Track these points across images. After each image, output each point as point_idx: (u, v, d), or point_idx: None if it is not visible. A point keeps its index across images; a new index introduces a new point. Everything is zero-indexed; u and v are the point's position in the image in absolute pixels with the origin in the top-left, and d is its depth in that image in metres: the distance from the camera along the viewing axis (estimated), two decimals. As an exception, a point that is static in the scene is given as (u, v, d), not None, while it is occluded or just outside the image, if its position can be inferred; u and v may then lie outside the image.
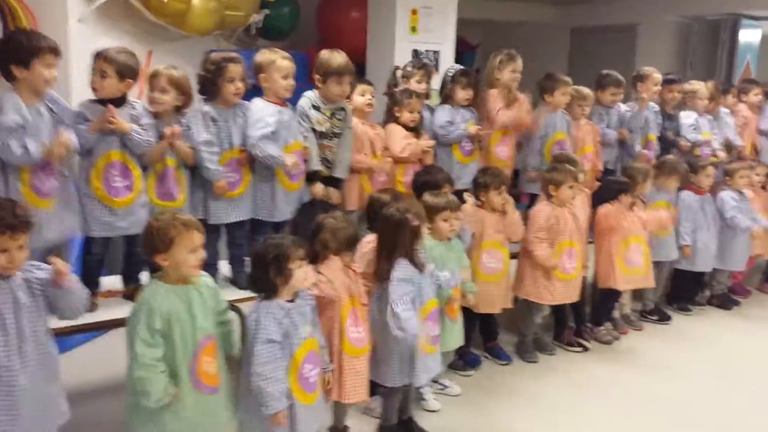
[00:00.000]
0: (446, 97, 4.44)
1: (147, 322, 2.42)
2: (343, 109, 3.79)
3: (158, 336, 2.43)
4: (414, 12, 6.23)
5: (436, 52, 6.46)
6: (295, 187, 3.58)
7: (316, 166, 3.68)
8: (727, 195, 5.10)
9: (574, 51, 9.57)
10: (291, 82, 3.47)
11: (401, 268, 3.03)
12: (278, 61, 3.45)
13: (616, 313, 4.77)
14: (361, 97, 3.97)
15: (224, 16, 5.49)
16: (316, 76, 3.70)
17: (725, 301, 5.28)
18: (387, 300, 3.01)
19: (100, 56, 3.00)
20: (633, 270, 4.42)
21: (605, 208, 4.39)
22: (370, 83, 4.02)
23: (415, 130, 4.13)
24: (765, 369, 4.26)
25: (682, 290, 5.18)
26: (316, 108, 3.71)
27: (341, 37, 6.75)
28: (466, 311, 3.76)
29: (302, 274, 2.64)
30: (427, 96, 4.40)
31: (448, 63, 6.22)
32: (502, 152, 4.55)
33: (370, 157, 3.98)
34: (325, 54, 3.73)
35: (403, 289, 3.00)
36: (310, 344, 2.70)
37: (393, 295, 2.99)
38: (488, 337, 4.28)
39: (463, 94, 4.38)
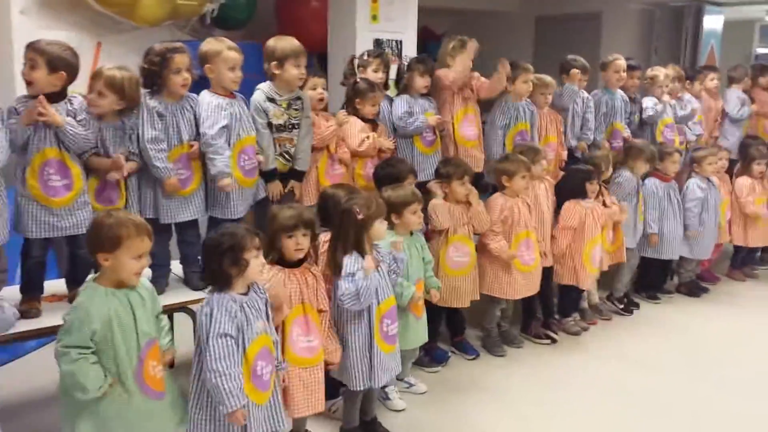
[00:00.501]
0: (404, 87, 4.30)
1: (80, 327, 2.26)
2: (299, 98, 3.64)
3: (91, 342, 2.27)
4: (374, 0, 6.08)
5: (398, 42, 6.31)
6: (249, 184, 3.43)
7: (272, 164, 3.54)
8: (694, 183, 5.06)
9: (539, 40, 9.52)
10: (238, 73, 3.31)
11: (352, 262, 2.90)
12: (225, 52, 3.29)
13: (584, 304, 4.70)
14: (312, 90, 3.81)
15: (176, 5, 5.27)
16: (271, 64, 3.54)
17: (694, 289, 5.24)
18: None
19: (29, 47, 2.82)
20: (594, 269, 4.36)
21: (569, 206, 4.30)
22: (321, 76, 3.86)
23: (372, 122, 4.00)
24: (733, 356, 4.22)
25: (650, 278, 5.13)
26: (271, 100, 3.56)
27: (301, 26, 6.56)
28: (433, 305, 3.67)
29: (257, 264, 2.52)
30: (385, 86, 4.26)
31: (411, 52, 6.10)
32: (469, 131, 4.42)
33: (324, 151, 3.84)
34: (272, 41, 3.59)
35: (351, 282, 2.87)
36: (264, 340, 2.56)
37: (341, 288, 2.87)
38: (455, 332, 4.18)
39: (421, 82, 4.25)
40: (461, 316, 4.15)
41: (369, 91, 3.91)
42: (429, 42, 10.61)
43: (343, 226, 2.95)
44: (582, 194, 4.30)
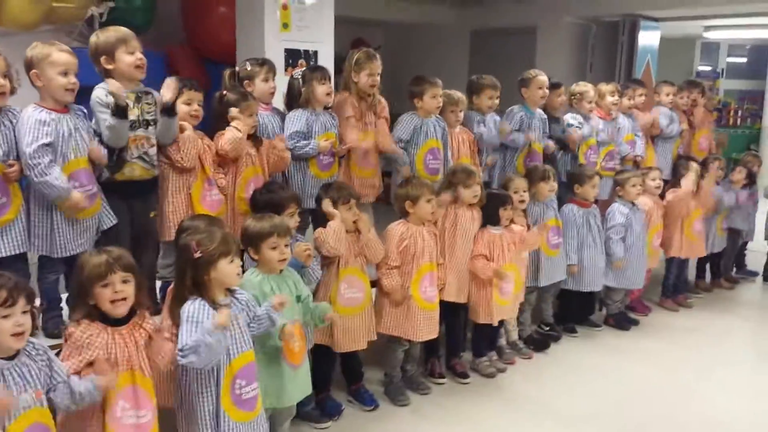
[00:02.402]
0: (305, 101, 3.79)
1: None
2: (148, 93, 3.12)
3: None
4: (285, 7, 5.58)
5: (314, 53, 5.82)
6: (85, 214, 2.87)
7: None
8: (616, 208, 4.68)
9: (475, 53, 9.32)
10: (72, 79, 2.77)
11: (194, 309, 2.39)
12: (54, 54, 2.74)
13: (502, 341, 4.25)
14: (186, 106, 3.28)
15: (51, 8, 4.72)
16: (101, 61, 2.99)
17: (622, 321, 4.84)
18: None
19: None
20: (504, 301, 3.90)
21: (479, 234, 3.86)
22: (197, 90, 3.33)
23: (254, 138, 3.49)
24: (647, 401, 3.79)
25: (569, 310, 4.73)
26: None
27: (208, 34, 6.10)
28: (324, 348, 3.24)
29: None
30: (271, 94, 3.78)
31: (328, 64, 5.61)
32: (364, 161, 3.97)
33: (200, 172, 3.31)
34: (93, 37, 3.04)
35: (190, 334, 2.36)
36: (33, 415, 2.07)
37: (180, 340, 2.35)
38: (352, 379, 3.68)
39: (322, 89, 3.76)
40: (358, 360, 3.65)
41: (240, 100, 3.40)
42: (363, 55, 10.27)
43: (180, 266, 2.44)
44: (495, 221, 3.87)
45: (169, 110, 3.06)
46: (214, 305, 2.43)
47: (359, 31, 9.71)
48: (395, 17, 8.90)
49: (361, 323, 3.45)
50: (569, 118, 4.92)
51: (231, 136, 3.31)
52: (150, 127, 3.07)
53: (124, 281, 2.28)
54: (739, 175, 5.59)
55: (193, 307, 2.40)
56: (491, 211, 3.86)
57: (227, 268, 2.47)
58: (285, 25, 5.61)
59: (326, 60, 5.76)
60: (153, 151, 3.09)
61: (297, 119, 3.73)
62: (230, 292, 2.56)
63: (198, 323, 2.36)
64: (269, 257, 2.83)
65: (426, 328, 3.59)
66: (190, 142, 3.20)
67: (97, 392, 2.15)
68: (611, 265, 4.61)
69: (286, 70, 5.37)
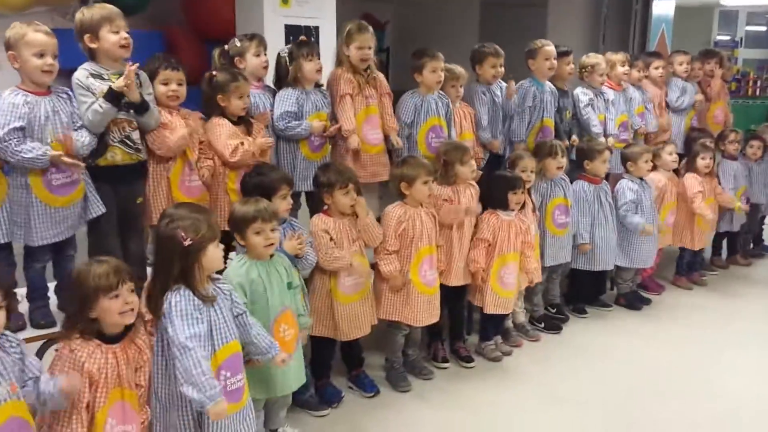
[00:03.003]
0: (293, 79, 3.64)
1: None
2: (135, 74, 2.94)
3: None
4: (284, -19, 5.42)
5: (315, 29, 5.66)
6: (61, 202, 2.74)
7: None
8: (625, 184, 4.52)
9: (485, 26, 9.08)
10: (49, 60, 2.64)
11: (179, 300, 2.29)
12: (30, 34, 2.62)
13: (508, 324, 4.14)
14: (163, 86, 3.12)
15: (46, -12, 4.61)
16: (84, 39, 2.87)
17: (633, 301, 4.69)
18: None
19: None
20: (505, 293, 3.77)
21: (485, 217, 3.73)
22: (175, 68, 3.17)
23: (244, 121, 3.35)
24: (656, 385, 3.65)
25: (580, 290, 4.59)
26: (96, 76, 2.87)
27: (206, 12, 5.94)
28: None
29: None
30: (265, 68, 3.62)
31: (330, 41, 5.44)
32: (372, 135, 3.78)
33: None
34: (78, 14, 2.92)
35: (186, 328, 2.27)
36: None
37: (173, 336, 2.26)
38: (352, 365, 3.58)
39: (310, 66, 3.59)
40: (358, 346, 3.55)
41: (230, 80, 3.25)
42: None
43: (165, 256, 2.34)
44: (503, 205, 3.73)
45: (137, 107, 2.91)
46: (199, 294, 2.34)
47: (367, 7, 9.50)
48: (404, -9, 8.74)
49: (364, 308, 3.36)
50: (580, 93, 4.73)
51: (244, 152, 3.19)
52: (132, 110, 2.94)
53: (132, 290, 2.23)
54: (756, 148, 5.39)
55: (181, 300, 2.30)
56: (499, 194, 3.72)
57: (216, 254, 2.39)
58: (285, 0, 5.46)
59: (328, 36, 5.60)
60: (136, 134, 2.96)
61: (287, 98, 3.58)
62: (212, 280, 2.46)
63: (189, 316, 2.28)
64: (254, 243, 2.73)
65: (426, 312, 3.48)
66: (180, 140, 3.06)
67: (61, 397, 2.07)
68: (644, 233, 4.42)
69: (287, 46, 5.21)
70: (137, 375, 2.32)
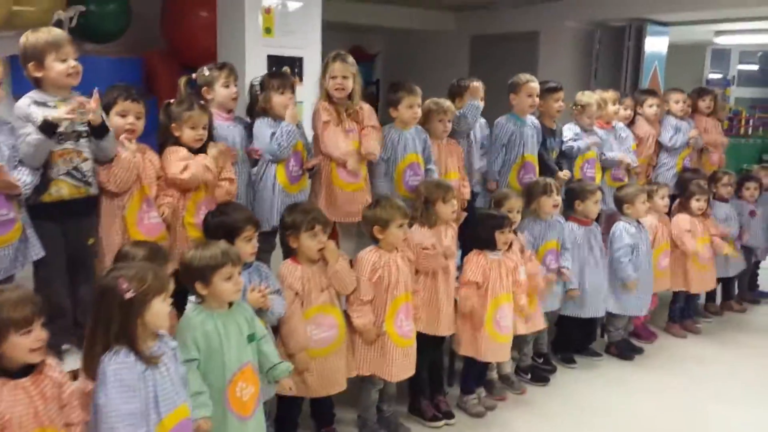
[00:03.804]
0: (262, 109, 3.44)
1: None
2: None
3: None
4: (268, 11, 5.24)
5: (299, 60, 5.47)
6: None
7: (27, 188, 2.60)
8: (622, 227, 4.30)
9: (475, 59, 9.01)
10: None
11: (118, 367, 2.03)
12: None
13: (493, 375, 3.88)
14: (120, 118, 2.91)
15: (12, 12, 4.40)
16: (28, 67, 2.68)
17: (625, 350, 4.44)
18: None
19: None
20: (502, 337, 3.52)
21: (472, 258, 3.51)
22: (135, 99, 2.96)
23: (201, 152, 3.13)
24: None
25: (569, 338, 4.34)
26: (41, 104, 2.66)
27: (187, 39, 5.76)
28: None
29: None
30: (234, 100, 3.42)
31: (314, 73, 5.26)
32: (351, 174, 3.58)
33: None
34: (23, 38, 2.72)
35: (122, 403, 2.00)
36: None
37: (104, 409, 1.99)
38: (321, 422, 3.31)
39: (281, 100, 3.40)
40: (329, 401, 3.28)
41: (184, 109, 3.04)
42: (361, 62, 9.98)
43: (104, 309, 2.08)
44: (491, 245, 3.50)
45: (95, 131, 2.70)
46: (143, 355, 2.08)
47: (356, 39, 9.44)
48: (394, 23, 8.64)
49: (338, 362, 3.10)
50: (566, 130, 4.54)
51: (194, 168, 2.96)
52: (81, 140, 2.72)
53: (42, 325, 1.98)
54: (753, 189, 5.21)
55: (121, 367, 2.03)
56: (486, 233, 3.50)
57: (162, 309, 2.12)
58: (268, 30, 5.28)
59: (313, 68, 5.41)
60: (86, 166, 2.74)
61: (264, 126, 3.39)
62: (158, 336, 2.20)
63: (128, 389, 2.02)
64: (222, 290, 2.48)
65: (402, 366, 3.22)
66: (123, 165, 2.82)
67: None
68: (623, 288, 4.23)
69: (269, 77, 5.02)
70: (65, 412, 2.05)
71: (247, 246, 2.78)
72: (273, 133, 3.34)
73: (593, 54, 7.93)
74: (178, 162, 2.98)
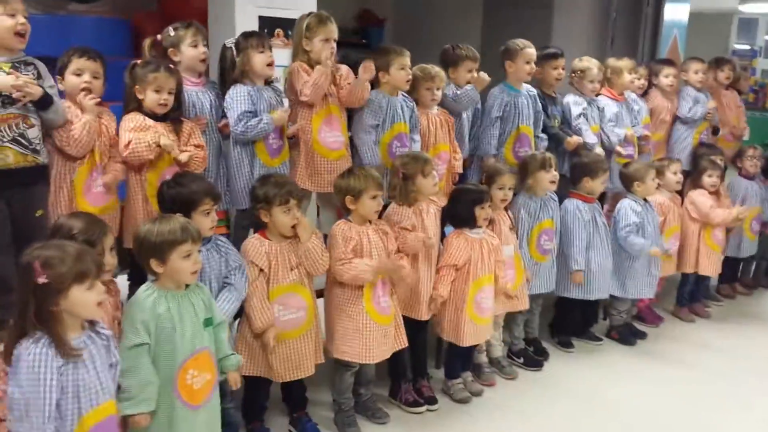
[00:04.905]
0: (241, 73, 3.19)
1: None
2: (29, 63, 2.58)
3: None
4: (260, -32, 4.96)
5: (293, 21, 5.19)
6: None
7: None
8: (628, 205, 4.03)
9: (488, 26, 8.65)
10: None
11: (32, 356, 1.83)
12: None
13: (482, 358, 3.66)
14: (74, 77, 2.71)
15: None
16: None
17: (627, 335, 4.19)
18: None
19: None
20: (482, 320, 3.30)
21: (452, 239, 3.27)
22: (91, 58, 2.75)
23: (172, 120, 2.91)
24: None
25: (567, 321, 4.09)
26: None
27: (178, 0, 5.51)
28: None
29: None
30: (203, 62, 3.18)
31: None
32: (331, 139, 3.35)
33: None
34: None
35: (30, 391, 1.81)
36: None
37: (13, 396, 1.82)
38: (294, 406, 3.12)
39: (261, 59, 3.16)
40: (301, 385, 3.08)
41: (150, 71, 2.82)
42: (370, 28, 9.70)
43: (21, 291, 1.89)
44: (470, 222, 3.26)
45: (37, 103, 2.51)
46: (63, 347, 1.87)
47: (365, 2, 9.15)
48: (404, -13, 8.33)
49: (306, 346, 2.89)
50: (571, 103, 4.24)
51: (135, 147, 2.75)
52: (30, 105, 2.51)
53: None
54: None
55: (34, 354, 1.83)
56: (464, 210, 3.25)
57: (83, 297, 1.90)
58: (260, -11, 5.01)
59: (308, 30, 5.16)
60: (33, 133, 2.54)
61: (239, 97, 3.13)
62: (90, 323, 2.00)
63: (44, 382, 1.82)
64: (180, 268, 2.28)
65: (379, 346, 3.00)
66: (85, 127, 2.64)
67: None
68: (651, 254, 3.97)
69: (261, 41, 4.77)
70: None
71: (205, 220, 2.57)
72: (248, 112, 3.09)
73: (610, 21, 7.58)
74: (127, 133, 2.78)
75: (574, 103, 4.20)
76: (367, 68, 3.24)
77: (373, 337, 2.98)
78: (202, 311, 2.37)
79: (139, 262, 2.34)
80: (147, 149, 2.75)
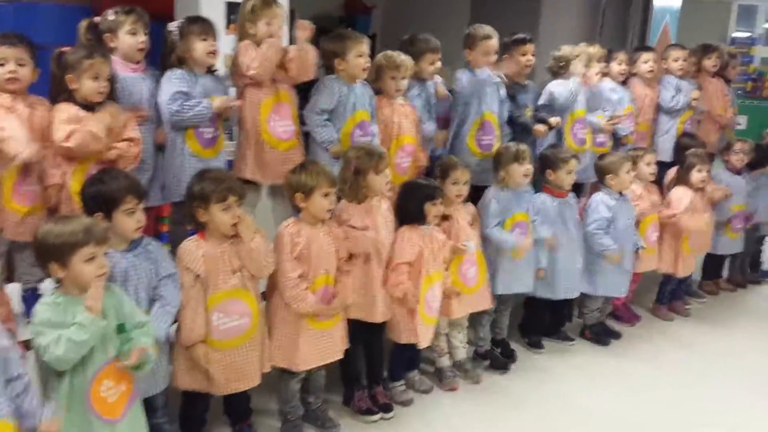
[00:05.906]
0: (178, 59, 3.03)
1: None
2: None
3: None
4: (224, -51, 4.78)
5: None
6: None
7: None
8: (600, 199, 3.84)
9: (475, 15, 8.44)
10: None
11: None
12: None
13: (444, 361, 3.49)
14: None
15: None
16: None
17: (600, 335, 4.02)
18: None
19: None
20: (431, 320, 3.14)
21: (403, 236, 3.09)
22: (13, 44, 2.59)
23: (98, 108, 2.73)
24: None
25: (536, 320, 3.92)
26: None
27: (144, -14, 5.33)
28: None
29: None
30: (140, 51, 3.00)
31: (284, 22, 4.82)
32: (281, 128, 3.20)
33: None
34: None
35: None
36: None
37: None
38: (237, 418, 2.94)
39: (203, 47, 3.01)
40: (244, 395, 2.88)
41: (84, 57, 2.66)
42: (357, 16, 9.52)
43: None
44: (420, 218, 3.09)
45: None
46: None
47: (353, -11, 8.97)
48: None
49: (250, 354, 2.70)
50: (555, 84, 4.05)
51: (81, 136, 2.58)
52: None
53: None
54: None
55: None
56: (415, 206, 3.08)
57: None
58: (226, -27, 4.83)
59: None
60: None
61: (172, 78, 2.98)
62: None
63: None
64: (83, 273, 2.11)
65: (318, 352, 2.84)
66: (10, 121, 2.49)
67: None
68: (608, 261, 3.80)
69: (227, 27, 4.59)
70: None
71: (128, 220, 2.40)
72: (181, 92, 2.92)
73: (600, 9, 7.37)
74: (65, 125, 2.60)
75: (559, 84, 4.03)
76: (302, 26, 3.11)
77: (308, 342, 2.81)
78: (114, 318, 2.20)
79: (39, 266, 2.17)
80: (92, 138, 2.60)
